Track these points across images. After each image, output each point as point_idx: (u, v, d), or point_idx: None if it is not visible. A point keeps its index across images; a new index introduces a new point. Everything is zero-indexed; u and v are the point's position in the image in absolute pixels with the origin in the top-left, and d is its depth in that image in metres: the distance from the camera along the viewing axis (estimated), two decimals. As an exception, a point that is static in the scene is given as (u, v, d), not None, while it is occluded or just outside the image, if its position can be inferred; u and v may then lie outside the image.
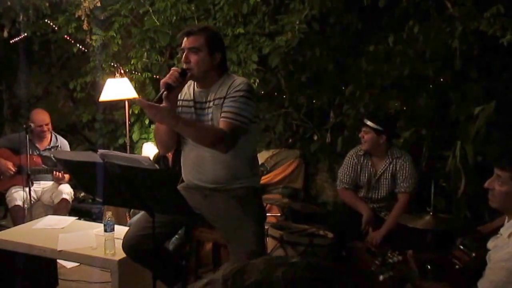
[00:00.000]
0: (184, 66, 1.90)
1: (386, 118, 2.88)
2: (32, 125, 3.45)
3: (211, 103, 1.92)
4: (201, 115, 1.96)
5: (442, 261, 2.03)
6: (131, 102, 3.88)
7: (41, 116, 3.53)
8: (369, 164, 2.77)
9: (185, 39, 1.92)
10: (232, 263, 0.53)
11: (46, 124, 3.53)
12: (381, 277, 1.81)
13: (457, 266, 1.95)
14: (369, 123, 2.69)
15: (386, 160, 2.74)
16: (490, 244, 1.60)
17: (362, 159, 2.78)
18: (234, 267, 0.52)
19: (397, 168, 2.72)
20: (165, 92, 1.82)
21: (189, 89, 2.01)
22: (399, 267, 1.84)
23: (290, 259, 0.52)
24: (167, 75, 1.87)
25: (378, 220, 2.71)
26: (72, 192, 3.56)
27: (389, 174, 2.73)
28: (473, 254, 1.90)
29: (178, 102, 1.99)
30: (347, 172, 2.80)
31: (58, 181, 3.50)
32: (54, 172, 3.42)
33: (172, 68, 1.91)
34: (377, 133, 2.69)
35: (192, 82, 2.00)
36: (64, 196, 3.45)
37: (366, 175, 2.78)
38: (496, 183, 1.57)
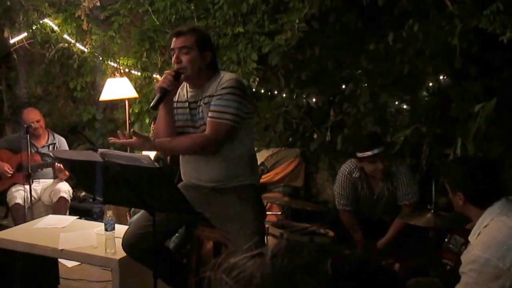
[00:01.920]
0: (176, 66, 1.91)
1: (378, 137, 2.75)
2: (32, 124, 3.47)
3: (201, 102, 1.93)
4: (194, 115, 1.97)
5: (434, 264, 2.04)
6: (131, 101, 3.88)
7: (31, 115, 3.55)
8: (365, 185, 2.68)
9: (174, 39, 1.93)
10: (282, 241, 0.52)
11: (37, 121, 3.54)
12: None
13: (448, 267, 1.96)
14: (377, 150, 2.49)
15: (383, 178, 2.64)
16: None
17: (357, 181, 2.67)
18: (283, 245, 0.51)
19: (394, 184, 2.63)
20: (161, 96, 1.85)
21: (182, 91, 2.02)
22: None
23: (344, 250, 0.51)
24: (161, 80, 1.89)
25: (381, 224, 2.70)
26: (71, 191, 3.58)
27: (387, 191, 2.67)
28: (462, 249, 1.91)
29: (174, 104, 2.00)
30: (344, 194, 2.70)
31: (60, 173, 3.49)
32: (56, 164, 3.42)
33: (166, 72, 1.93)
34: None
35: (185, 83, 2.01)
36: (62, 194, 3.46)
37: (363, 195, 2.71)
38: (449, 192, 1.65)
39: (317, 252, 0.50)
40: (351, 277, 0.48)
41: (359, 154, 2.57)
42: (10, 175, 3.46)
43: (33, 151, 3.49)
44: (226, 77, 1.90)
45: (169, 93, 1.89)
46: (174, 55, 1.92)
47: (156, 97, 1.88)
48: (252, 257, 0.51)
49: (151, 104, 1.90)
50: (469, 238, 1.57)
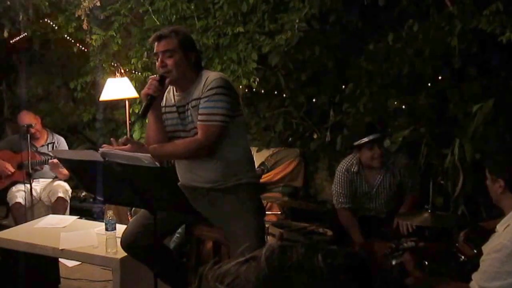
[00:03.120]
0: (161, 70, 1.89)
1: (374, 125, 2.80)
2: (33, 125, 3.49)
3: (189, 105, 1.91)
4: (183, 119, 1.95)
5: (447, 253, 2.05)
6: (132, 101, 3.89)
7: (26, 119, 3.56)
8: (363, 179, 2.70)
9: (156, 44, 1.91)
10: (273, 243, 0.54)
11: (35, 123, 3.58)
12: (393, 262, 1.84)
13: (461, 259, 1.97)
14: (372, 136, 2.56)
15: (381, 170, 2.67)
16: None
17: (355, 175, 2.70)
18: (275, 246, 0.52)
19: (396, 176, 2.67)
20: (148, 103, 1.84)
21: (169, 94, 2.00)
22: (410, 255, 1.87)
23: (329, 246, 0.53)
24: (146, 86, 1.87)
25: (378, 222, 2.71)
26: (69, 191, 3.59)
27: (387, 184, 2.69)
28: (475, 251, 1.91)
29: (163, 109, 1.99)
30: (342, 191, 2.71)
31: (56, 169, 3.50)
32: (50, 160, 3.43)
33: (150, 77, 1.91)
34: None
35: (171, 87, 1.99)
36: (60, 194, 3.47)
37: (362, 190, 2.72)
38: (487, 180, 1.66)
39: (306, 249, 0.51)
40: (343, 269, 0.50)
41: (357, 143, 2.64)
42: (10, 173, 3.48)
43: (32, 150, 3.51)
44: (211, 77, 1.88)
45: (156, 99, 1.88)
46: (158, 60, 1.89)
47: (143, 105, 1.87)
48: (245, 262, 0.51)
49: (140, 112, 1.90)
50: (497, 227, 1.58)
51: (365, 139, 2.59)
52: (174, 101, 1.97)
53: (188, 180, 2.02)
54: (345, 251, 0.52)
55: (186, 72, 1.90)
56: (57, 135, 3.76)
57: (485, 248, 1.54)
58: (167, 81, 1.88)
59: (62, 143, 3.75)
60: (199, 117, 1.86)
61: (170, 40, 1.88)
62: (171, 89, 2.00)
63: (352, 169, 2.70)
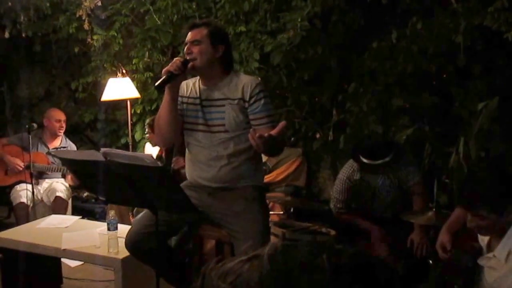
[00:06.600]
0: (187, 57, 1.89)
1: (386, 145, 2.71)
2: (45, 123, 3.50)
3: (224, 102, 1.90)
4: (208, 113, 1.93)
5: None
6: (133, 102, 3.88)
7: (59, 113, 3.66)
8: (365, 184, 2.68)
9: (189, 33, 1.93)
10: (276, 242, 0.53)
11: (65, 121, 3.65)
12: None
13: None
14: (381, 161, 2.50)
15: (382, 175, 2.65)
16: (482, 261, 1.57)
17: (358, 183, 2.67)
18: (279, 245, 0.52)
19: (396, 176, 2.64)
20: (166, 79, 1.83)
21: (194, 86, 1.99)
22: None
23: (335, 245, 0.52)
24: (170, 64, 1.87)
25: (384, 220, 2.69)
26: (69, 190, 3.57)
27: (388, 184, 2.67)
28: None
29: (184, 99, 1.98)
30: (341, 199, 2.69)
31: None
32: (68, 174, 3.46)
33: (175, 58, 1.91)
34: None
35: (197, 79, 1.99)
36: (58, 194, 3.45)
37: (364, 195, 2.70)
38: (476, 221, 1.52)
39: (311, 248, 0.50)
40: (348, 270, 0.49)
41: (363, 160, 2.56)
42: (20, 169, 3.47)
43: (43, 151, 3.52)
44: (253, 80, 1.95)
45: (175, 78, 1.85)
46: (186, 48, 1.92)
47: (161, 79, 1.85)
48: (248, 260, 0.50)
49: (155, 84, 1.87)
50: (497, 254, 1.49)
51: (366, 161, 2.51)
52: (199, 94, 1.96)
53: (197, 178, 2.02)
54: (350, 251, 0.51)
55: (212, 63, 1.90)
56: (70, 141, 3.78)
57: (488, 277, 1.44)
58: (189, 65, 1.88)
59: (73, 149, 3.76)
60: (263, 120, 1.89)
61: (200, 31, 1.90)
62: (197, 81, 1.99)
63: (354, 177, 2.67)
